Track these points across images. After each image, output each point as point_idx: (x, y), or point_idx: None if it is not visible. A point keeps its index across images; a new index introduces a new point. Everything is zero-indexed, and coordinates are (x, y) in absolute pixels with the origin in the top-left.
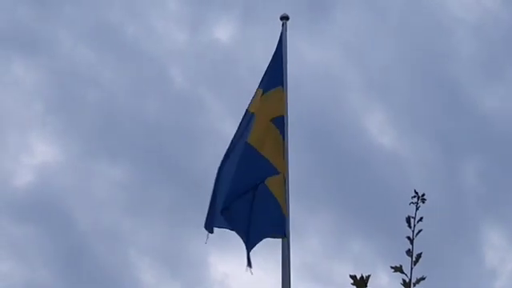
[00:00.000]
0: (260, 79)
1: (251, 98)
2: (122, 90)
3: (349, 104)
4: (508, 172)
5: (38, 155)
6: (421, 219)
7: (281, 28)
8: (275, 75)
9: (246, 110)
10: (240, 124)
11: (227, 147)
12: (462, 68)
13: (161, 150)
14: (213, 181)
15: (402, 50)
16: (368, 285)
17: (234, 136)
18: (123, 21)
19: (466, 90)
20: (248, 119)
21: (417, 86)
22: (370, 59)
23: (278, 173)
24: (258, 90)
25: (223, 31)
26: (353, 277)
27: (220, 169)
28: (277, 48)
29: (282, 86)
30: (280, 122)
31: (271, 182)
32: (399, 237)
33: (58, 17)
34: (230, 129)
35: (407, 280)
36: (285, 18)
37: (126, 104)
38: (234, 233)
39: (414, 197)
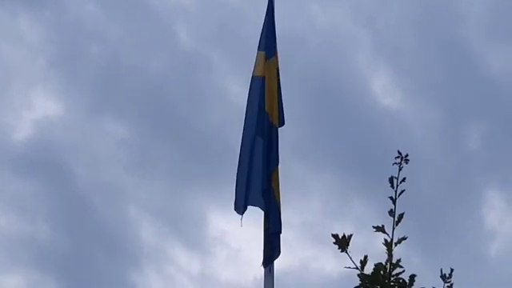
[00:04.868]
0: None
1: (254, 61)
2: (128, 47)
3: (355, 64)
4: None
5: (40, 110)
6: (403, 180)
7: None
8: (273, 41)
9: (252, 75)
10: (250, 90)
11: (244, 118)
12: (470, 30)
13: (165, 108)
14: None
15: (411, 14)
16: (350, 244)
17: (248, 104)
18: None
19: (473, 52)
20: (258, 84)
21: (424, 48)
22: (379, 21)
23: (277, 163)
24: (259, 52)
25: None
26: (335, 236)
27: (244, 145)
28: (268, 7)
29: (268, 51)
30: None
31: (273, 177)
32: (401, 198)
33: None
34: (235, 88)
35: (389, 240)
36: None
37: (131, 61)
38: (233, 192)
39: (398, 157)
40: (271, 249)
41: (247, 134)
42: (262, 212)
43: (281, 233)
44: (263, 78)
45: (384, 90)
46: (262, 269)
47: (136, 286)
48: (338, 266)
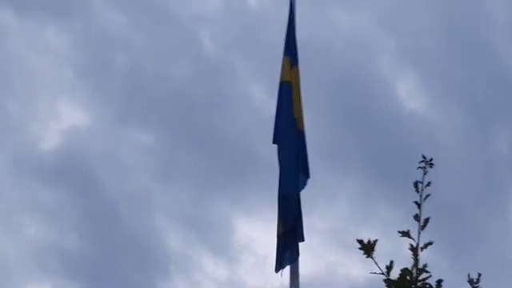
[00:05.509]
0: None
1: (280, 66)
2: (152, 55)
3: (381, 69)
4: None
5: (67, 120)
6: (428, 184)
7: None
8: (295, 49)
9: (280, 81)
10: (279, 95)
11: (275, 125)
12: (496, 34)
13: (190, 115)
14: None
15: (435, 16)
16: (375, 249)
17: (277, 110)
18: None
19: (498, 55)
20: (285, 89)
21: (449, 51)
22: (403, 25)
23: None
24: (285, 57)
25: None
26: (360, 241)
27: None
28: (289, 14)
29: (292, 57)
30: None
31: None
32: (426, 202)
33: None
34: (259, 94)
35: (414, 245)
36: None
37: (155, 69)
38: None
39: (422, 161)
40: (286, 253)
41: (279, 138)
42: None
43: (303, 241)
44: (290, 84)
45: (409, 93)
46: (288, 275)
47: None
48: (364, 271)
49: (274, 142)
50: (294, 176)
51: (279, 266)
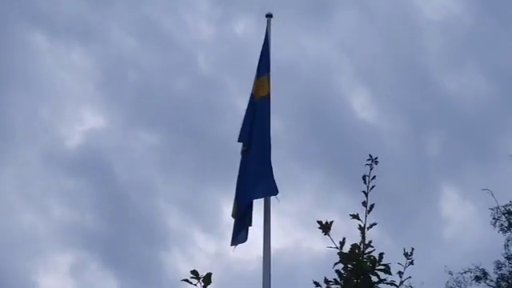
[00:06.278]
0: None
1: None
2: (158, 72)
3: (339, 86)
4: (463, 143)
5: (88, 123)
6: (374, 177)
7: (266, 24)
8: (265, 64)
9: (257, 97)
10: (258, 110)
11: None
12: (430, 60)
13: (188, 121)
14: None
15: (385, 45)
16: (331, 229)
17: (246, 119)
18: (161, 16)
19: (432, 77)
20: (265, 103)
21: (394, 73)
22: (358, 51)
23: None
24: (263, 76)
25: (241, 27)
26: (319, 222)
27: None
28: (264, 40)
29: (269, 73)
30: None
31: None
32: (372, 192)
33: (109, 11)
34: (243, 105)
35: (362, 225)
36: (269, 16)
37: (160, 83)
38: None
39: (369, 160)
40: (238, 235)
41: (250, 142)
42: (262, 207)
43: (251, 225)
44: (268, 97)
45: (361, 106)
46: (261, 249)
47: (164, 263)
48: (323, 246)
49: (238, 141)
50: (255, 181)
51: (233, 243)
